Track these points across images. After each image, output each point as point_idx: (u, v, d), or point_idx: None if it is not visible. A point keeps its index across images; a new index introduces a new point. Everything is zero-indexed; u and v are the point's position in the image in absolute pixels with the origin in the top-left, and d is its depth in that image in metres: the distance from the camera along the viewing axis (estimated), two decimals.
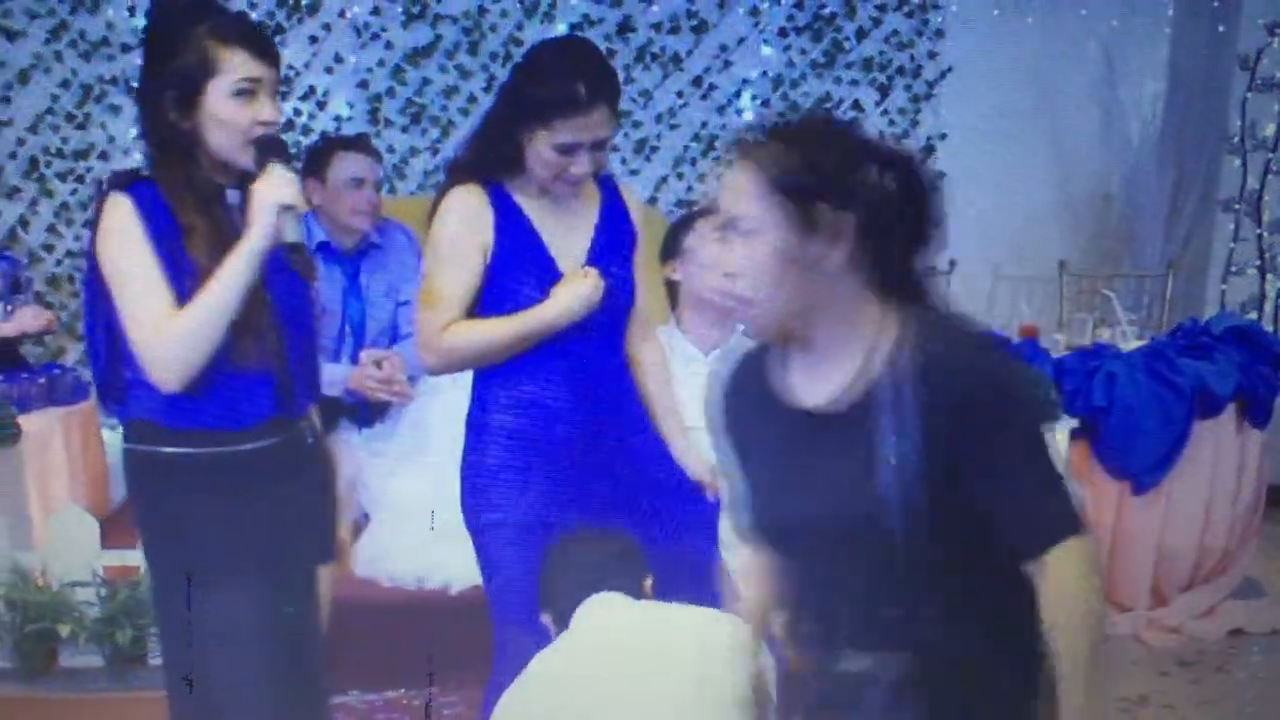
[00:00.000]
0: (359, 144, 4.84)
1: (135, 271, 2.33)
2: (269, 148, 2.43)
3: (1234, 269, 7.34)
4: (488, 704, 2.78)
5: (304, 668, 2.67)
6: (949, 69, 7.43)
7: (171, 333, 2.31)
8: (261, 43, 2.48)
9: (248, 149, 2.42)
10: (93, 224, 2.40)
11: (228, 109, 2.39)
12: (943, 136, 7.50)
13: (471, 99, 6.79)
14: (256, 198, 2.36)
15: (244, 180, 2.45)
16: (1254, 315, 7.01)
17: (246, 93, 2.40)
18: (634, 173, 7.02)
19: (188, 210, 2.39)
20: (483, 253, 2.75)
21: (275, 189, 2.36)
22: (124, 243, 2.33)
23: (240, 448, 2.49)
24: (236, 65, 2.39)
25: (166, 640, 2.66)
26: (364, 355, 4.44)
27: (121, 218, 2.33)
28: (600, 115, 2.68)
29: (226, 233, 2.42)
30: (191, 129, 2.40)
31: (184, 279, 2.36)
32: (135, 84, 2.57)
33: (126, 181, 2.39)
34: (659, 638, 2.35)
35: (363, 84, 6.78)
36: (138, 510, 2.62)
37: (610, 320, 2.83)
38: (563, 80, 2.65)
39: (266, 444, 2.52)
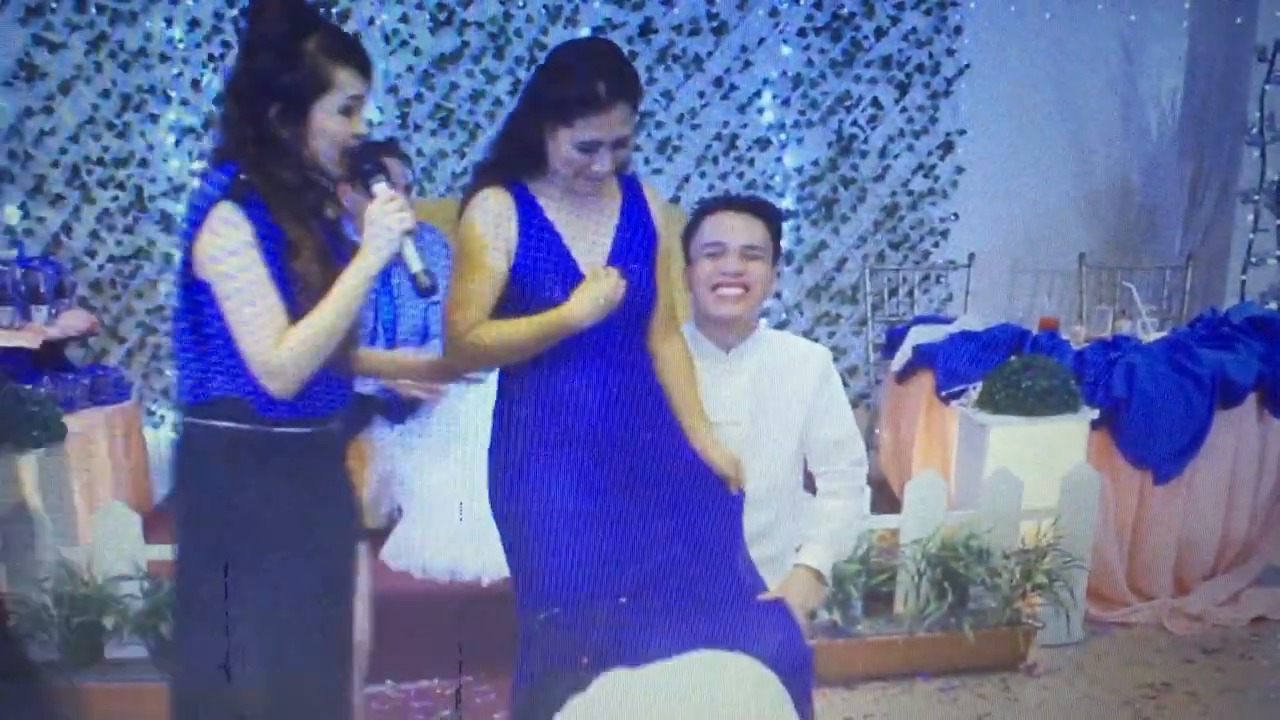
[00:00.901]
0: (388, 148, 4.83)
1: (252, 285, 2.35)
2: (371, 163, 2.50)
3: (1254, 260, 7.27)
4: (516, 692, 2.79)
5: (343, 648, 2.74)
6: (967, 66, 7.38)
7: (288, 347, 2.35)
8: (364, 60, 2.50)
9: (343, 160, 2.47)
10: (194, 229, 2.37)
11: (333, 124, 2.43)
12: (961, 132, 7.44)
13: (497, 103, 6.78)
14: (375, 224, 2.43)
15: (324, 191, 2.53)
16: (1274, 305, 6.92)
17: (350, 110, 2.44)
18: (657, 172, 7.00)
19: (291, 224, 2.41)
20: (507, 253, 2.72)
21: (395, 217, 2.44)
22: (240, 255, 2.34)
23: (310, 430, 2.54)
24: (345, 83, 2.42)
25: (203, 618, 2.58)
26: (397, 355, 4.43)
27: (236, 229, 2.33)
28: (620, 113, 2.64)
29: (322, 244, 2.48)
30: (290, 137, 2.43)
31: (287, 287, 2.40)
32: (230, 84, 2.50)
33: (240, 193, 2.36)
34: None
35: (392, 89, 6.79)
36: (199, 488, 2.58)
37: (631, 318, 2.80)
38: (583, 79, 2.61)
39: (327, 430, 2.60)
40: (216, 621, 2.53)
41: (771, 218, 3.03)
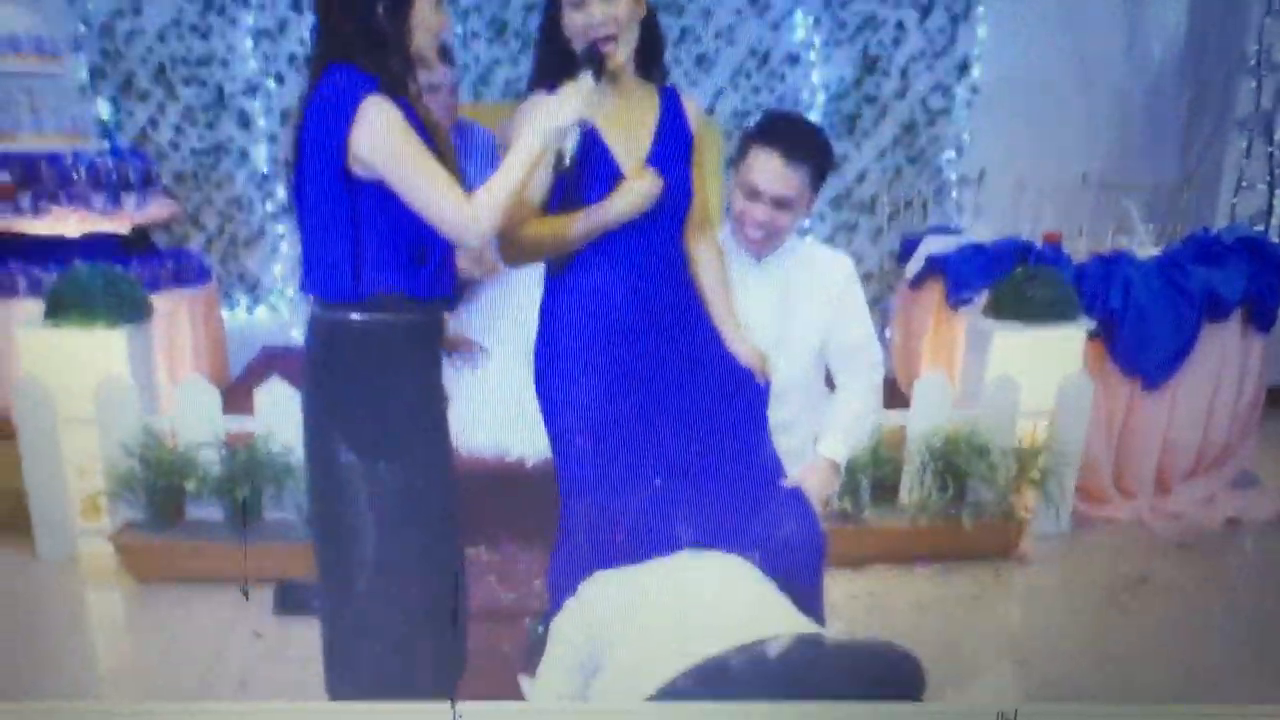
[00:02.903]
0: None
1: (424, 159, 2.37)
2: (593, 59, 2.54)
3: (1244, 184, 7.20)
4: (554, 563, 2.81)
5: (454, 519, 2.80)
6: None
7: (483, 206, 2.39)
8: None
9: (435, 53, 2.55)
10: (345, 126, 2.34)
11: (430, 17, 2.48)
12: (977, 56, 7.33)
13: None
14: (566, 95, 2.48)
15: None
16: (1261, 228, 6.86)
17: (440, 1, 2.51)
18: (694, 84, 6.94)
19: (426, 117, 2.48)
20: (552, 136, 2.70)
21: (587, 100, 2.48)
22: (405, 139, 2.35)
23: (446, 313, 2.70)
24: None
25: (352, 509, 2.62)
26: None
27: (394, 118, 2.34)
28: None
29: (446, 134, 2.57)
30: (395, 33, 2.43)
31: None
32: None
33: (385, 87, 2.38)
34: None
35: (452, 1, 6.71)
36: (352, 378, 2.56)
37: (669, 217, 2.76)
38: None
39: (444, 310, 2.71)
40: (356, 503, 2.58)
41: (816, 163, 2.91)
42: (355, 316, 2.49)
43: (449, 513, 2.74)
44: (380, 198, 2.39)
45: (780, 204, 2.87)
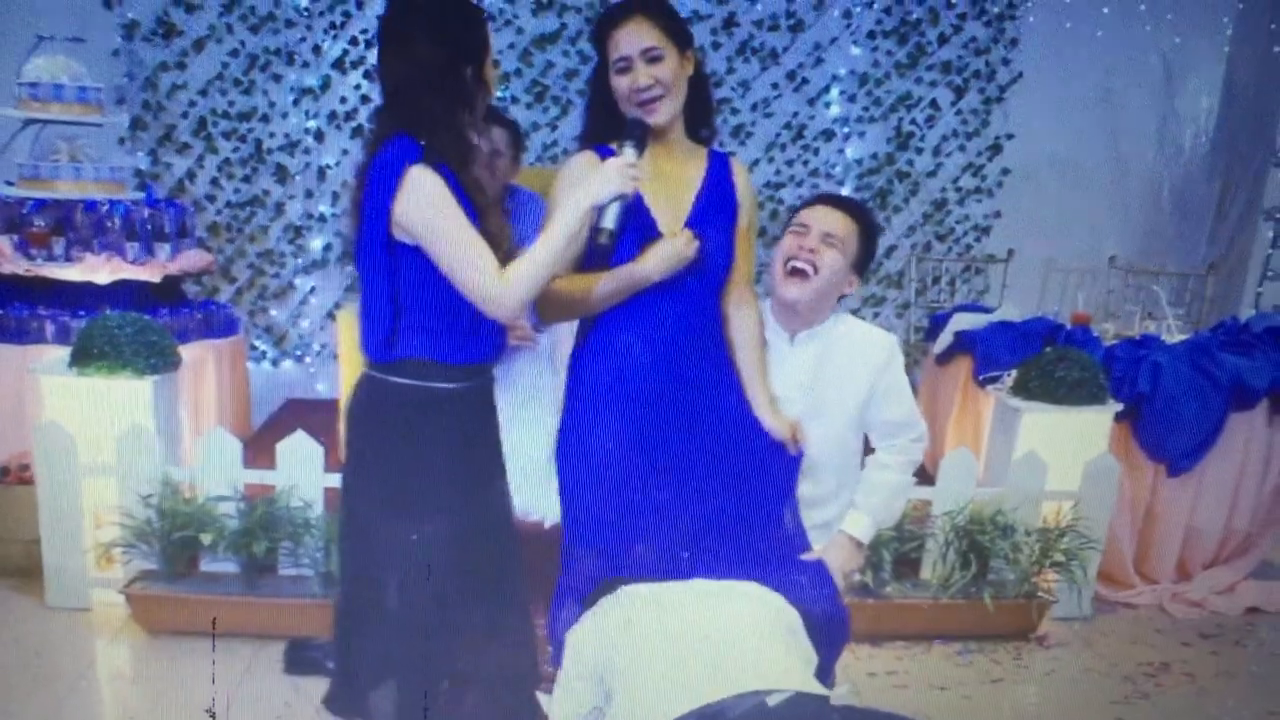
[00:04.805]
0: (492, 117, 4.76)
1: (461, 229, 2.35)
2: (635, 132, 2.53)
3: (1270, 274, 7.14)
4: (555, 611, 2.74)
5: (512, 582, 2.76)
6: (1020, 75, 7.26)
7: (516, 280, 2.37)
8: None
9: (489, 111, 2.58)
10: (391, 194, 2.35)
11: (489, 76, 2.51)
12: (1010, 137, 7.33)
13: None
14: (608, 172, 2.44)
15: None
16: None
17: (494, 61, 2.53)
18: (730, 154, 6.91)
19: (471, 186, 2.45)
20: (590, 213, 2.65)
21: (628, 176, 2.43)
22: (447, 209, 2.35)
23: (482, 381, 2.60)
24: (489, 38, 2.52)
25: (382, 572, 2.61)
26: None
27: (435, 185, 2.34)
28: (640, 24, 2.57)
29: (495, 204, 2.53)
30: (471, 97, 2.47)
31: None
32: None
33: (431, 158, 2.37)
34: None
35: (494, 64, 6.71)
36: (384, 440, 2.55)
37: (703, 282, 2.70)
38: (608, 9, 2.63)
39: (486, 380, 2.64)
40: (380, 562, 2.57)
41: (866, 224, 2.90)
42: (391, 379, 2.49)
43: (491, 585, 2.68)
44: (420, 264, 2.38)
45: (828, 240, 2.80)
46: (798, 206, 2.94)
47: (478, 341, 2.50)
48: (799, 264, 2.81)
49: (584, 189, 2.43)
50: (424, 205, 2.34)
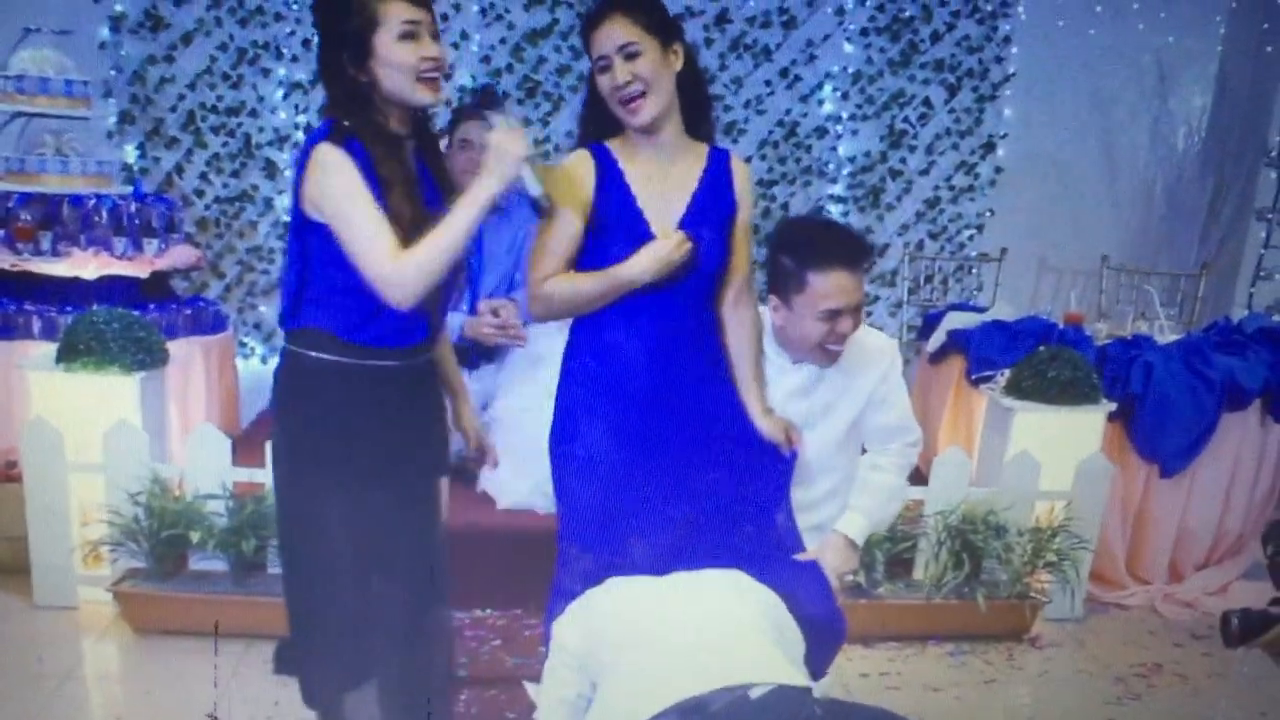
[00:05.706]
0: (488, 93, 4.75)
1: (364, 213, 2.31)
2: (491, 100, 2.47)
3: (1262, 273, 7.15)
4: (550, 608, 2.76)
5: (429, 573, 2.69)
6: (1013, 73, 7.28)
7: (409, 263, 2.31)
8: None
9: (417, 87, 2.40)
10: (302, 171, 2.36)
11: (395, 53, 2.37)
12: (1003, 136, 7.34)
13: (581, 77, 6.69)
14: (496, 149, 2.35)
15: (419, 131, 2.53)
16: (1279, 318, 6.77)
17: (409, 35, 2.37)
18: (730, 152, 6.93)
19: (385, 164, 2.38)
20: (583, 211, 2.63)
21: (516, 143, 2.35)
22: (348, 189, 2.32)
23: (392, 363, 2.51)
24: (396, 12, 2.37)
25: (296, 542, 2.63)
26: (483, 305, 4.33)
27: (342, 167, 2.32)
28: (619, 24, 2.55)
29: (414, 184, 2.45)
30: (368, 81, 2.39)
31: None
32: (316, 56, 2.52)
33: (338, 136, 2.35)
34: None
35: (485, 59, 6.73)
36: (286, 408, 2.57)
37: (695, 282, 2.68)
38: (590, 10, 2.62)
39: (411, 363, 2.55)
40: (312, 537, 2.55)
41: (867, 269, 2.88)
42: (291, 346, 2.51)
43: (403, 571, 2.64)
44: (326, 241, 2.37)
45: (861, 308, 2.79)
46: (799, 265, 2.77)
47: (379, 324, 2.45)
48: (837, 348, 2.82)
49: (484, 177, 2.35)
50: (323, 182, 2.33)
